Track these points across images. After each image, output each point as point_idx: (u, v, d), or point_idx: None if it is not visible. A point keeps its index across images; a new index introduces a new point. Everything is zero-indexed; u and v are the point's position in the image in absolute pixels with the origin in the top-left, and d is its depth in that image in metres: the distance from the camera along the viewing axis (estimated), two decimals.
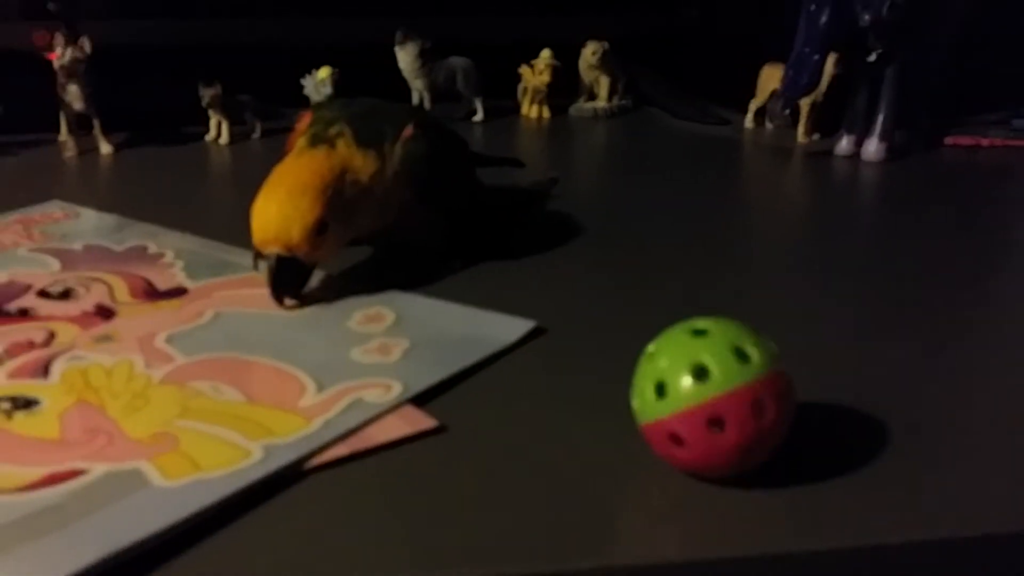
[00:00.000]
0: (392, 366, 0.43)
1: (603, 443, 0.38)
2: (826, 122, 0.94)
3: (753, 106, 1.01)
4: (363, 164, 0.50)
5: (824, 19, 0.81)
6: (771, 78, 0.96)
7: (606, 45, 1.05)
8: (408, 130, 0.53)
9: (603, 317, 0.51)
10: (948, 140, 0.94)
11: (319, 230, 0.48)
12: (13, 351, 0.44)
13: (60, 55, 0.75)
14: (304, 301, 0.50)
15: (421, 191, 0.53)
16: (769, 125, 1.02)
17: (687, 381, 0.33)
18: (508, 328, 0.47)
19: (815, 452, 0.37)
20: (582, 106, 1.08)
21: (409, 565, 0.31)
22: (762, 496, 0.35)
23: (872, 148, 0.87)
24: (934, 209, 0.75)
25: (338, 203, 0.49)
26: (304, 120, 0.54)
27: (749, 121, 1.02)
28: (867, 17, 0.81)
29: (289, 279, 0.49)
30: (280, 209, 0.47)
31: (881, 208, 0.79)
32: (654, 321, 0.37)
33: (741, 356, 0.33)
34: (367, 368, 0.43)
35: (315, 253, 0.49)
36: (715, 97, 1.10)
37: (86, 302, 0.49)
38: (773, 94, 0.96)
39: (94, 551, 0.30)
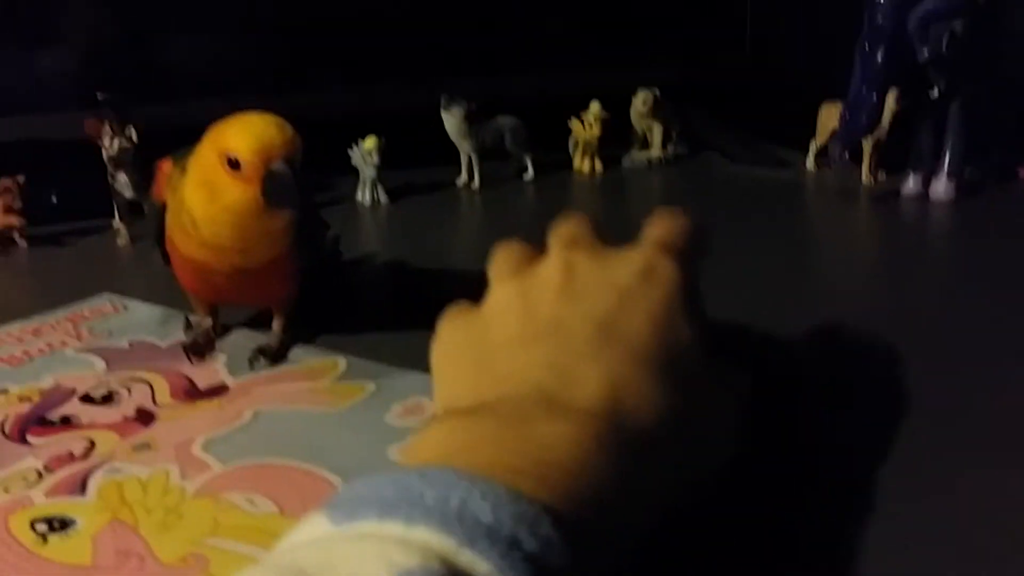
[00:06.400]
0: None
1: None
2: (892, 161, 0.90)
3: (814, 147, 0.98)
4: None
5: (880, 58, 0.77)
6: (831, 116, 0.92)
7: (656, 92, 1.03)
8: None
9: None
10: (1022, 173, 0.89)
11: None
12: (53, 465, 0.43)
13: (108, 145, 0.75)
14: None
15: None
16: (832, 166, 0.98)
17: None
18: None
19: None
20: (636, 156, 1.06)
21: None
22: None
23: (941, 187, 0.83)
24: (1010, 248, 0.71)
25: None
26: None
27: (810, 163, 0.99)
28: (926, 53, 0.77)
29: None
30: None
31: (951, 250, 0.76)
32: None
33: None
34: None
35: None
36: (774, 138, 1.07)
37: (127, 406, 0.49)
38: (834, 133, 0.93)
39: None
